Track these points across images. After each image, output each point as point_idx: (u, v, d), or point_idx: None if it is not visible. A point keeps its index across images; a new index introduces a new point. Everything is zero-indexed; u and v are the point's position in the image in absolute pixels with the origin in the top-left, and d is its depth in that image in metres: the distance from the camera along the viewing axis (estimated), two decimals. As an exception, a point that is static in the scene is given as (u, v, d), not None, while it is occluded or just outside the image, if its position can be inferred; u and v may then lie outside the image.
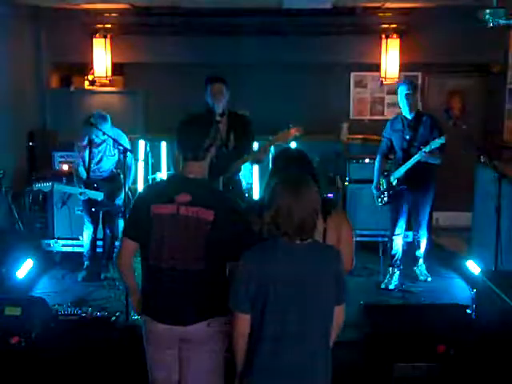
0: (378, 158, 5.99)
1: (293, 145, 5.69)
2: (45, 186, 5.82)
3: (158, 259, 2.95)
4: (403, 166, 5.63)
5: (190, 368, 3.02)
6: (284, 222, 2.57)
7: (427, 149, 5.43)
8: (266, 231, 2.69)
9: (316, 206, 2.61)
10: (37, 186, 5.78)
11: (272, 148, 5.26)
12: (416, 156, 5.51)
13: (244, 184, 5.61)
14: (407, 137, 5.70)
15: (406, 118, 5.73)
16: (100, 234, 6.19)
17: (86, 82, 8.13)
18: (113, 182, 5.99)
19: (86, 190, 5.79)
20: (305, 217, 2.56)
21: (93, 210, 5.96)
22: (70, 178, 6.35)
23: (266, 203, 2.68)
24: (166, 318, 2.95)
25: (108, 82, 8.08)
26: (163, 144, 7.13)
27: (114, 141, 5.55)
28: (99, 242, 6.21)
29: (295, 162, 3.16)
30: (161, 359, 3.05)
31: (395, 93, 5.98)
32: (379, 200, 5.88)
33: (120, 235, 3.29)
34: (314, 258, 2.62)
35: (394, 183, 5.73)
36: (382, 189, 5.84)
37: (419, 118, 5.71)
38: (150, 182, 7.09)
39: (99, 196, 5.82)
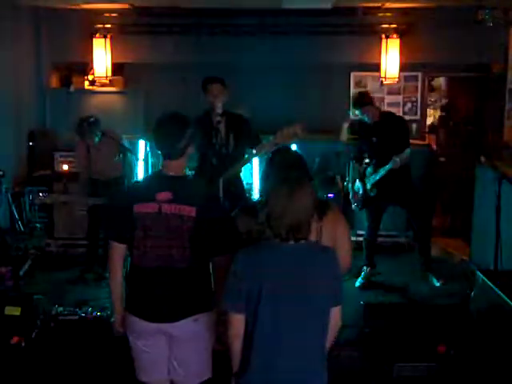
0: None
1: (293, 146, 5.69)
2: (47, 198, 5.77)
3: (142, 259, 2.96)
4: (377, 174, 5.69)
5: (179, 363, 3.05)
6: (277, 224, 2.56)
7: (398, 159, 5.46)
8: (259, 232, 2.69)
9: (310, 207, 2.60)
10: (38, 200, 5.67)
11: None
12: (388, 165, 5.54)
13: (244, 184, 5.60)
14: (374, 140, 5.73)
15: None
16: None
17: (86, 82, 8.13)
18: (115, 184, 5.94)
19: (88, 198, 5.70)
20: (298, 218, 2.55)
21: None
22: (70, 178, 6.37)
23: (260, 204, 2.68)
24: (152, 316, 2.97)
25: (108, 81, 8.08)
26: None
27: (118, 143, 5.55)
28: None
29: (290, 164, 3.15)
30: (149, 353, 3.06)
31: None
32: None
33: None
34: (308, 259, 2.61)
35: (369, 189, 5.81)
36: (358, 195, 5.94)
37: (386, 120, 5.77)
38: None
39: (100, 201, 5.72)
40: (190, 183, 3.07)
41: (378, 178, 5.67)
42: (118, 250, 3.05)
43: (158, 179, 3.07)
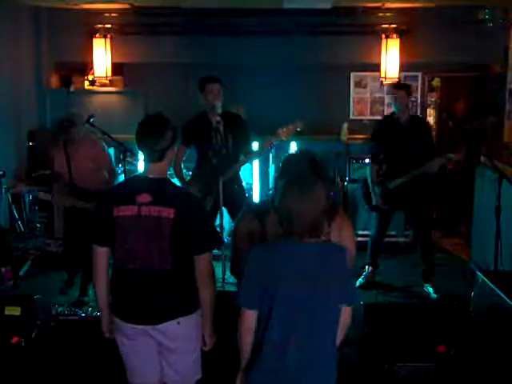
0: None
1: (293, 145, 5.70)
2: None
3: (123, 261, 2.97)
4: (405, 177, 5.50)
5: (169, 365, 3.07)
6: (295, 223, 2.57)
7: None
8: (262, 234, 2.69)
9: (325, 205, 2.62)
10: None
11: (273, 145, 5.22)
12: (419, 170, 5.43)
13: (244, 184, 5.61)
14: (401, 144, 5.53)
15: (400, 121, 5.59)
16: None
17: (86, 82, 8.14)
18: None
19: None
20: (315, 217, 2.57)
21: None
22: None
23: (275, 205, 2.68)
24: (134, 318, 2.98)
25: (108, 82, 8.08)
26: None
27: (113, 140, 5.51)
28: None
29: (308, 165, 3.15)
30: (139, 354, 3.07)
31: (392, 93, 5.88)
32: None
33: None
34: (324, 258, 2.63)
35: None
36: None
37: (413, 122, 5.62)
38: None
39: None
40: (170, 185, 3.05)
41: (402, 181, 5.47)
42: (101, 254, 3.04)
43: (138, 182, 3.07)
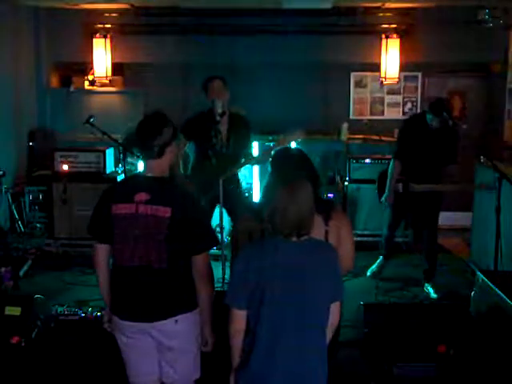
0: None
1: (292, 144, 5.68)
2: None
3: (121, 258, 2.99)
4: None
5: (167, 364, 3.07)
6: (280, 222, 2.57)
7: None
8: (261, 233, 2.69)
9: (311, 204, 2.62)
10: None
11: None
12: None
13: (244, 184, 5.60)
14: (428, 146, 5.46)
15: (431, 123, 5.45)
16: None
17: (86, 82, 8.13)
18: None
19: None
20: (301, 216, 2.57)
21: None
22: (70, 178, 6.35)
23: (262, 203, 2.68)
24: (131, 316, 2.99)
25: (108, 82, 8.08)
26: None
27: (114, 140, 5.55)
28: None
29: (294, 162, 3.15)
30: (137, 352, 3.08)
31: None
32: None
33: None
34: (310, 256, 2.63)
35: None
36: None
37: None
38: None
39: None
40: (167, 184, 3.06)
41: (430, 188, 5.40)
42: (101, 251, 3.08)
43: (136, 180, 3.10)
